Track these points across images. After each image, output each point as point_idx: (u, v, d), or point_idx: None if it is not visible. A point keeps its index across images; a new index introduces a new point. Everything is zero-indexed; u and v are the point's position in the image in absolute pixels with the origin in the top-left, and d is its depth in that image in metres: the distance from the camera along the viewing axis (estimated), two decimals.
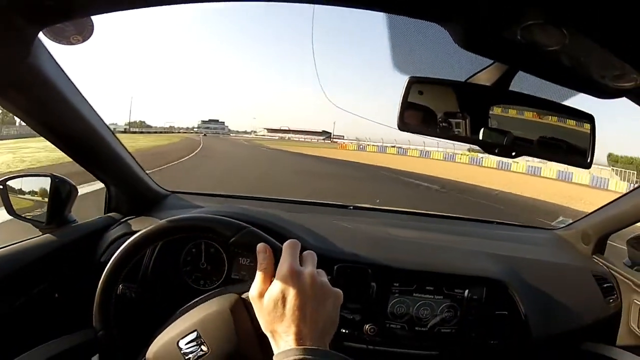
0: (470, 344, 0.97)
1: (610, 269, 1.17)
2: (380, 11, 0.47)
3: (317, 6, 0.50)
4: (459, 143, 0.60)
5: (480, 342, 0.97)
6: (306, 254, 0.56)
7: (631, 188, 1.16)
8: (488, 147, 0.59)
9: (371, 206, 1.55)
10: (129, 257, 0.66)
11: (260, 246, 0.57)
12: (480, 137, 0.56)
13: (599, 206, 1.25)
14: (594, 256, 1.24)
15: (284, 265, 0.51)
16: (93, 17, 0.59)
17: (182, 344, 0.60)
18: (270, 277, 0.53)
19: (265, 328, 0.51)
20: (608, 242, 1.26)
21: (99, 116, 0.92)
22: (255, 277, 0.54)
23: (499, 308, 0.98)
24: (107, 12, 0.57)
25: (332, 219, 1.23)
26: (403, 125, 0.54)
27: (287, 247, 0.54)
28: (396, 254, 1.03)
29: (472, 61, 0.55)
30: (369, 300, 0.93)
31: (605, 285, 1.13)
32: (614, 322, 1.12)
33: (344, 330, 0.93)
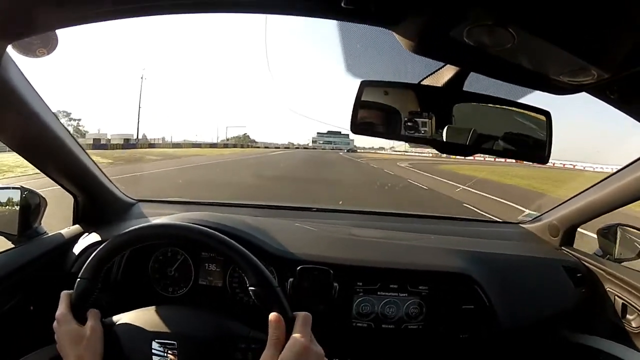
0: (439, 338, 0.99)
1: (580, 259, 1.19)
2: (330, 19, 0.48)
3: None
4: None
5: (449, 337, 0.99)
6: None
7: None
8: (445, 148, 0.60)
9: (334, 208, 1.56)
10: (136, 241, 0.67)
11: (274, 316, 0.58)
12: (430, 135, 0.57)
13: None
14: (562, 247, 1.25)
15: (299, 342, 0.55)
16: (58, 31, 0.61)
17: (155, 344, 0.61)
18: (281, 347, 0.55)
19: None
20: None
21: (65, 128, 0.93)
22: (267, 347, 0.56)
23: (466, 302, 0.99)
24: (71, 26, 0.58)
25: (295, 221, 1.24)
26: (356, 128, 0.55)
27: (303, 323, 0.57)
28: (358, 253, 1.03)
29: (424, 64, 0.56)
30: (332, 301, 0.94)
31: (576, 275, 1.14)
32: (587, 311, 1.13)
33: None
